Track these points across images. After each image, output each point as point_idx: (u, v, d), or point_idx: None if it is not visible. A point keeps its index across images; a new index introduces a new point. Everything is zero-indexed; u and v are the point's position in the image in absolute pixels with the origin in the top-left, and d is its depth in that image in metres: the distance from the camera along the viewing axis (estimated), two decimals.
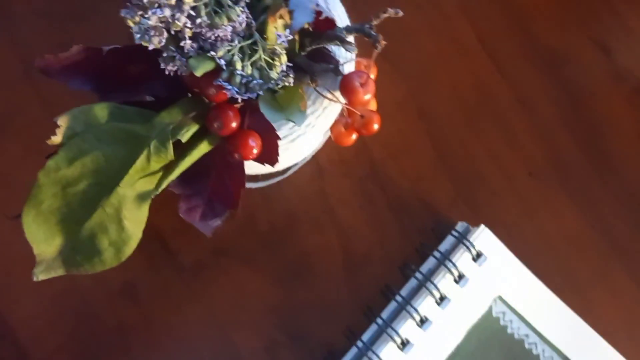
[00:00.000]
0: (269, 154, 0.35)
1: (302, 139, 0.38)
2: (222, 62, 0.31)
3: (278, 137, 0.35)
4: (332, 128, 0.41)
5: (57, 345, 0.46)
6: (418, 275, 0.46)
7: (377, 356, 0.44)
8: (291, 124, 0.37)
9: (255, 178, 0.48)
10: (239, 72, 0.31)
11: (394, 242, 0.48)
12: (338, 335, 0.46)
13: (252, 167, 0.44)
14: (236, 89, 0.32)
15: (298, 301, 0.47)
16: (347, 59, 0.37)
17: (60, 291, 0.46)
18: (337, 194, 0.49)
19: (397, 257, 0.48)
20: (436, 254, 0.46)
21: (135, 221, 0.34)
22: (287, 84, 0.35)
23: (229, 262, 0.47)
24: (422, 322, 0.45)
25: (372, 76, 0.42)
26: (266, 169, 0.46)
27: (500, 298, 0.47)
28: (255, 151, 0.34)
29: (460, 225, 0.48)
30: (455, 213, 0.49)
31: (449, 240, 0.47)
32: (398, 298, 0.46)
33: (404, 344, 0.45)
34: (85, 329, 0.46)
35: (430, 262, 0.47)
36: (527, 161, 0.50)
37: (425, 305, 0.45)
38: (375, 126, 0.40)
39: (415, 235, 0.48)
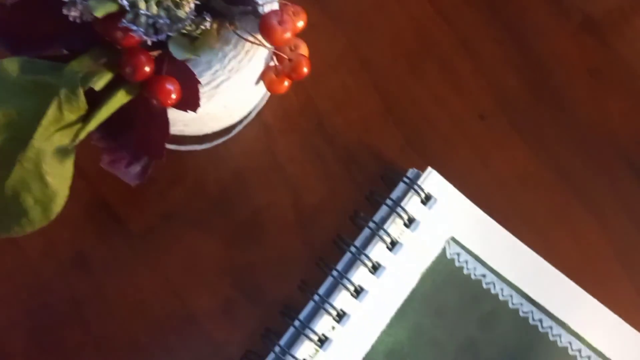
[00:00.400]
0: (189, 99, 0.34)
1: (226, 85, 0.37)
2: (125, 2, 0.30)
3: (198, 82, 0.35)
4: (263, 76, 0.41)
5: (11, 321, 0.45)
6: (369, 223, 0.45)
7: (333, 306, 0.44)
8: (214, 69, 0.36)
9: (201, 140, 0.47)
10: (143, 12, 0.31)
11: (345, 194, 0.48)
12: (294, 289, 0.46)
13: (191, 125, 0.44)
14: (142, 30, 0.31)
15: (252, 259, 0.47)
16: (266, 0, 0.37)
17: (10, 267, 0.46)
18: (285, 150, 0.48)
19: (348, 209, 0.47)
20: (387, 201, 0.46)
21: (59, 177, 0.34)
22: (203, 27, 0.34)
23: (180, 227, 0.47)
24: (375, 268, 0.45)
25: (302, 22, 0.41)
26: (209, 127, 0.46)
27: (454, 239, 0.46)
28: (173, 96, 0.34)
29: (411, 172, 0.47)
30: (406, 161, 0.48)
31: (400, 188, 0.47)
32: (351, 248, 0.45)
33: (358, 292, 0.44)
34: (38, 303, 0.46)
35: (382, 210, 0.46)
36: (475, 104, 0.50)
37: (377, 252, 0.45)
38: (305, 69, 0.39)
39: (365, 185, 0.48)
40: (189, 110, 0.35)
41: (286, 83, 0.41)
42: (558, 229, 0.48)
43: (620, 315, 0.46)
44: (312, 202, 0.48)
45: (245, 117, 0.48)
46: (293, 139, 0.49)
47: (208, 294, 0.46)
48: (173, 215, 0.47)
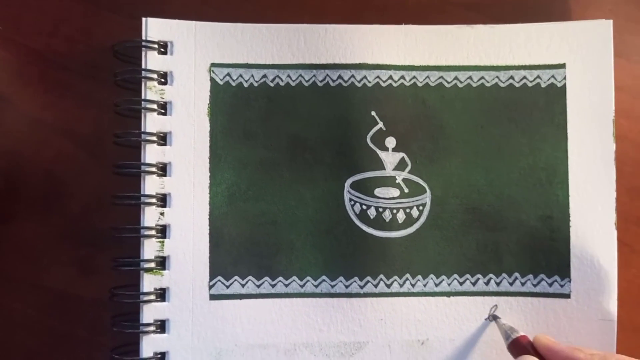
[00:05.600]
0: None
1: None
2: None
3: None
4: None
5: None
6: (133, 106, 0.43)
7: (148, 195, 0.42)
8: None
9: None
10: None
11: (110, 99, 0.44)
12: (122, 210, 0.44)
13: None
14: None
15: (72, 212, 0.45)
16: None
17: None
18: (31, 104, 0.46)
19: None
20: (131, 76, 0.43)
21: None
22: None
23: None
24: (164, 139, 0.43)
25: None
26: None
27: (214, 64, 0.44)
28: None
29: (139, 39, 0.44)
30: (131, 33, 0.45)
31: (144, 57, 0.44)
32: (132, 139, 0.43)
33: (163, 169, 0.43)
34: None
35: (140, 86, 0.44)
36: None
37: (152, 122, 0.43)
38: None
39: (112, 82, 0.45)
40: None
41: None
42: None
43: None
44: (90, 131, 0.45)
45: None
46: (34, 90, 0.46)
47: (58, 267, 0.45)
48: None
